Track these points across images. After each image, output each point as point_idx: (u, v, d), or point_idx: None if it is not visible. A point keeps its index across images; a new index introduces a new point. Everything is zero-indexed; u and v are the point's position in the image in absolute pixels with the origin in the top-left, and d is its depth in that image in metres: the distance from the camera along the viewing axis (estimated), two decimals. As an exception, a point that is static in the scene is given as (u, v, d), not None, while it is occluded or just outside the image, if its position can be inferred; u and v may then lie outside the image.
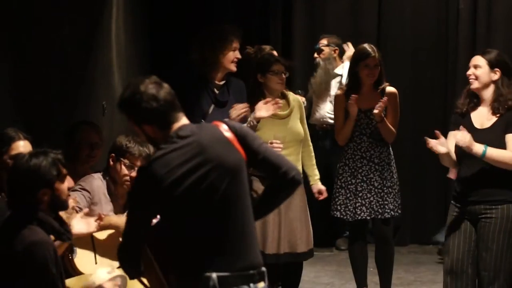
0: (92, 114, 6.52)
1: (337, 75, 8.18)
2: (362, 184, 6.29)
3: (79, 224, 4.41)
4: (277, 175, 3.52)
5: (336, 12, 8.89)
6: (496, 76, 5.18)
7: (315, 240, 6.19)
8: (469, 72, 5.23)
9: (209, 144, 3.44)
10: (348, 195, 6.31)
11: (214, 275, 3.33)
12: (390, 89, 6.31)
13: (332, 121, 7.79)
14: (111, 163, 4.91)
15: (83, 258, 4.58)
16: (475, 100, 5.25)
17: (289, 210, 5.91)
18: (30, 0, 5.49)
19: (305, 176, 6.10)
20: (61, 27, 5.97)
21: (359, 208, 6.29)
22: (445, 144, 5.14)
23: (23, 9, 5.34)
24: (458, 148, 5.13)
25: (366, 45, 6.34)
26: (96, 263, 4.62)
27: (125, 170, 4.87)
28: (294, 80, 8.17)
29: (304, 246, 5.96)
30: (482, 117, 5.22)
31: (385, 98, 6.14)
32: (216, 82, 5.75)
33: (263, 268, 3.46)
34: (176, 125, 3.49)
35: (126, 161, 4.87)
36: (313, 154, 6.21)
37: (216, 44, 5.65)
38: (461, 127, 5.09)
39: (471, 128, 5.15)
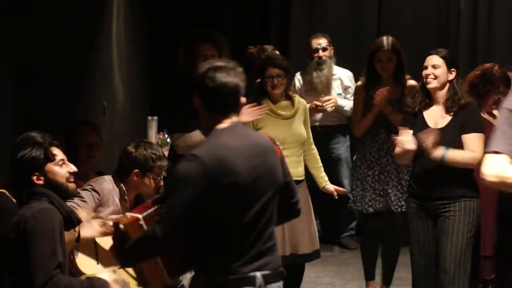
0: (93, 114, 6.51)
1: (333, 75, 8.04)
2: (380, 175, 6.26)
3: (84, 229, 4.37)
4: (289, 201, 3.69)
5: (336, 12, 8.87)
6: (452, 75, 5.33)
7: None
8: (427, 72, 5.34)
9: (266, 150, 3.54)
10: (365, 187, 6.29)
11: (258, 274, 3.46)
12: (411, 82, 6.23)
13: (330, 123, 7.79)
14: (135, 178, 4.88)
15: (85, 261, 4.55)
16: (427, 99, 5.30)
17: None
18: (30, 0, 5.49)
19: (310, 178, 6.09)
20: (62, 27, 5.96)
21: (374, 199, 6.26)
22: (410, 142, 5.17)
23: (24, 9, 5.33)
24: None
25: (383, 38, 6.31)
26: (97, 264, 4.60)
27: (153, 183, 4.90)
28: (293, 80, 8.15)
29: (307, 248, 5.94)
30: (436, 117, 5.29)
31: (383, 89, 6.08)
32: None
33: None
34: (227, 120, 3.48)
35: (155, 176, 4.89)
36: (318, 156, 6.14)
37: (187, 48, 5.59)
38: (430, 128, 5.16)
39: (425, 128, 5.20)
